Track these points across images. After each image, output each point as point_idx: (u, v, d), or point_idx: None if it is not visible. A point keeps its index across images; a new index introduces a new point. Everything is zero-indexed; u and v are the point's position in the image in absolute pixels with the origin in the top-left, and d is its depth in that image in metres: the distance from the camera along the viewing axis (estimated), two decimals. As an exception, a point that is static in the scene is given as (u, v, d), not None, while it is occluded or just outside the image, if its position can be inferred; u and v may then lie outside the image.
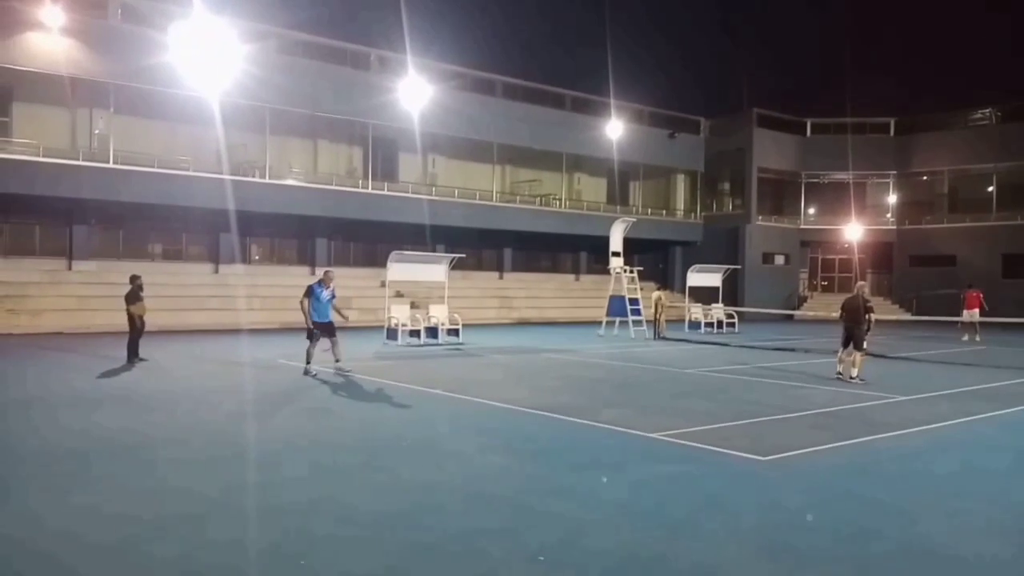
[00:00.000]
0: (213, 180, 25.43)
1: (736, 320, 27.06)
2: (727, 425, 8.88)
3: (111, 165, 24.22)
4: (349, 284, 29.36)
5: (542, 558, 4.61)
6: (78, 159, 24.01)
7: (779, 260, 38.99)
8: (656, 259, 40.21)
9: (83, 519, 5.28)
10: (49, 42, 22.87)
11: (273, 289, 27.39)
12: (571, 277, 38.47)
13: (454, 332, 19.90)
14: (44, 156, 23.20)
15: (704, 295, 28.47)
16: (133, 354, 14.29)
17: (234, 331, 23.09)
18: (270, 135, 27.68)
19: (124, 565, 4.49)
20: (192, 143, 26.44)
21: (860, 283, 13.73)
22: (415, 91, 27.74)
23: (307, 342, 13.26)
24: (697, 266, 28.72)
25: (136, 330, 14.45)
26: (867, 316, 12.91)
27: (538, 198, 34.80)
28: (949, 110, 38.69)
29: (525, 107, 33.43)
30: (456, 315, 20.30)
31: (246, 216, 26.36)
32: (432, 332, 19.52)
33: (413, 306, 21.58)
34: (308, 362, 13.17)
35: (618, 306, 24.07)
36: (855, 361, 12.76)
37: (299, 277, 29.93)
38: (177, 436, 7.98)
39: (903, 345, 21.23)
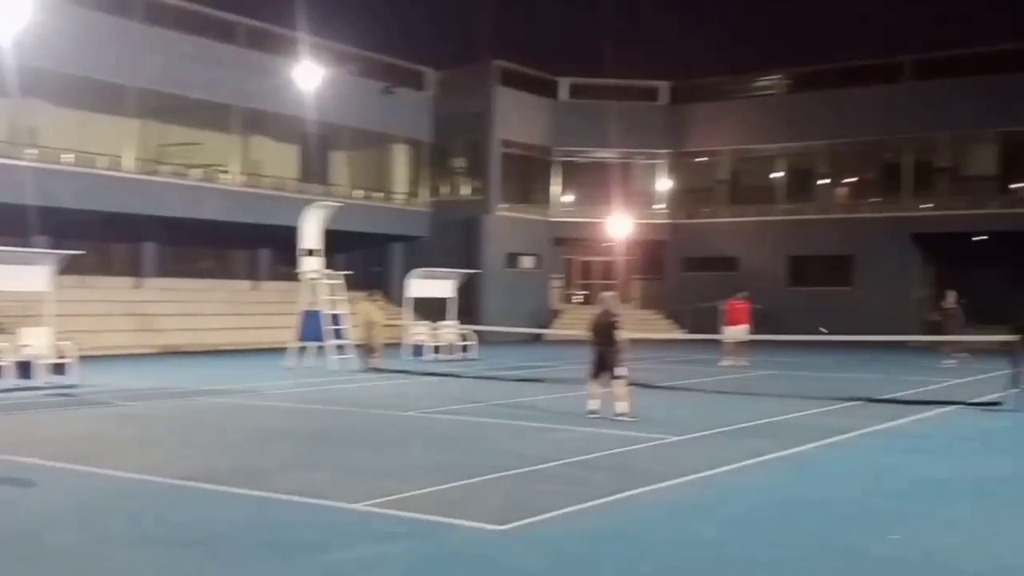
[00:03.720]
0: None
1: (472, 342, 28.11)
2: (457, 485, 9.21)
3: None
4: None
5: None
6: None
7: (527, 262, 41.14)
8: (369, 260, 40.63)
9: None
10: None
11: None
12: (246, 285, 37.65)
13: (60, 369, 18.82)
14: None
15: (432, 309, 29.27)
16: None
17: None
18: None
19: None
20: None
21: (608, 294, 14.92)
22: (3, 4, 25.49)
23: None
24: (421, 270, 29.44)
25: None
26: (617, 335, 14.00)
27: (197, 169, 33.64)
28: (731, 75, 43.27)
29: (177, 38, 32.20)
30: (66, 343, 19.24)
31: None
32: (24, 370, 18.33)
33: (-3, 330, 19.97)
34: None
35: (314, 326, 23.96)
36: (616, 393, 13.82)
37: None
38: None
39: (673, 371, 23.43)
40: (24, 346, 18.69)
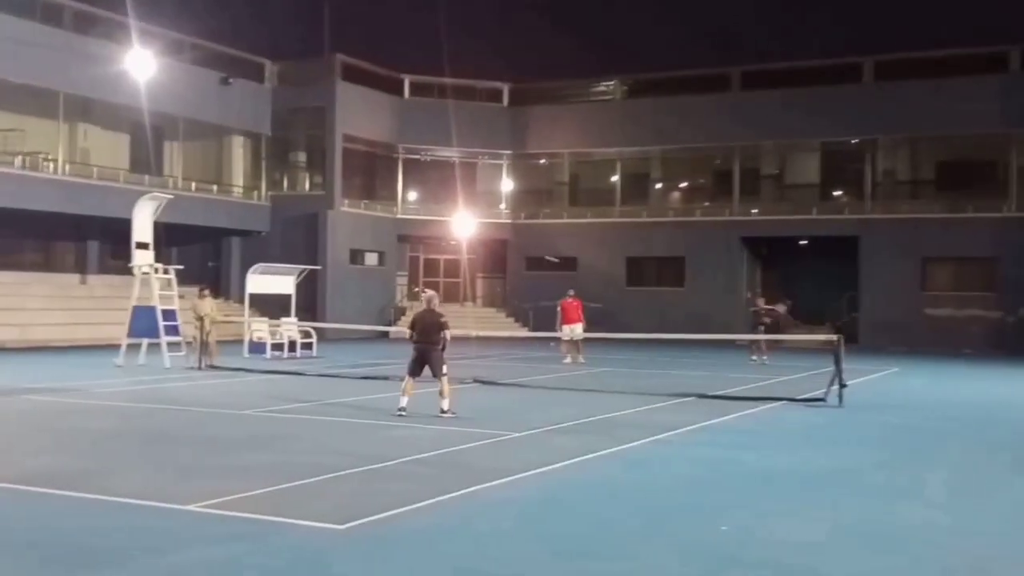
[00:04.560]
0: None
1: (315, 340, 27.79)
2: (296, 485, 9.10)
3: None
4: None
5: None
6: None
7: (371, 259, 40.97)
8: (205, 254, 39.62)
9: None
10: None
11: None
12: (74, 278, 36.19)
13: None
14: None
15: (272, 305, 28.78)
16: None
17: None
18: None
19: None
20: None
21: (429, 293, 14.99)
22: None
23: None
24: (262, 266, 28.94)
25: None
26: (443, 334, 14.09)
27: (20, 157, 32.00)
28: (570, 79, 44.29)
29: (1, 19, 30.59)
30: None
31: None
32: None
33: None
34: None
35: (146, 321, 23.16)
36: (443, 391, 13.90)
37: None
38: None
39: (514, 368, 23.74)
40: None
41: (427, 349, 13.96)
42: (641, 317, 34.97)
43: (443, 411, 13.76)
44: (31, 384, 18.29)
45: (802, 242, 39.62)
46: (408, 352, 14.46)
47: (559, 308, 26.50)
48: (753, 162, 41.27)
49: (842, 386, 16.17)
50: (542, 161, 44.31)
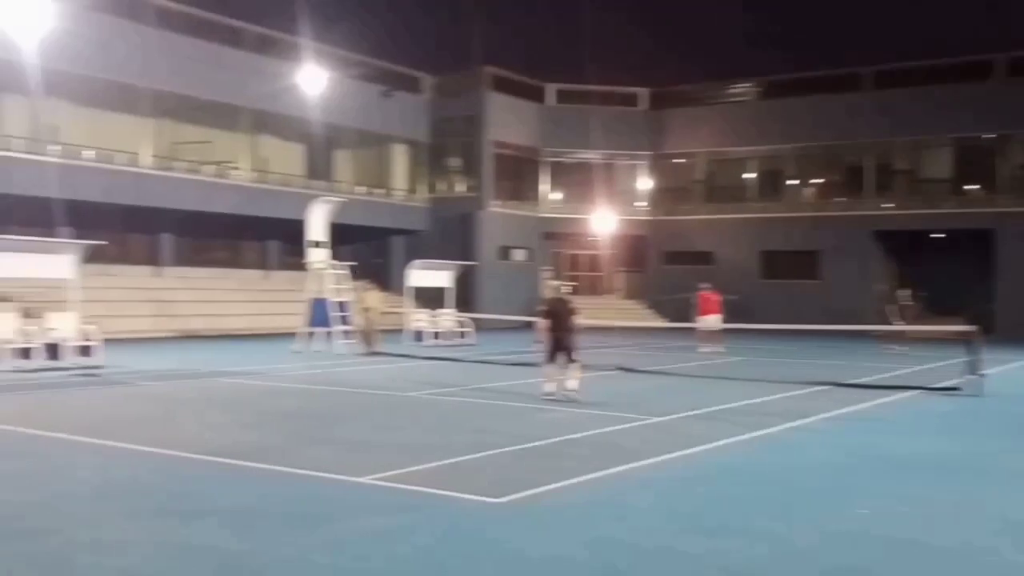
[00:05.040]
0: None
1: (469, 329, 28.13)
2: (456, 461, 9.21)
3: None
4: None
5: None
6: None
7: (518, 255, 41.24)
8: (370, 251, 40.62)
9: None
10: None
11: None
12: (258, 274, 37.61)
13: (86, 351, 18.77)
14: None
15: (430, 297, 29.29)
16: None
17: None
18: None
19: None
20: None
21: (557, 282, 14.86)
22: (24, 7, 25.27)
23: None
24: (421, 261, 29.44)
25: None
26: (574, 320, 13.93)
27: (210, 166, 33.50)
28: (706, 82, 43.53)
29: (190, 42, 32.07)
30: (90, 327, 19.20)
31: None
32: (52, 351, 18.37)
33: (25, 315, 19.85)
34: None
35: (321, 313, 23.94)
36: (574, 374, 13.77)
37: None
38: None
39: (654, 357, 23.46)
40: (51, 329, 18.70)
41: (562, 336, 13.91)
42: (775, 309, 33.99)
43: (569, 389, 13.64)
44: (222, 368, 19.16)
45: (936, 235, 37.82)
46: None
47: (696, 300, 26.13)
48: (886, 158, 39.65)
49: (979, 375, 15.36)
50: (679, 161, 43.71)
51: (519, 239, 41.32)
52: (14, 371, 17.25)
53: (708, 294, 26.05)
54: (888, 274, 38.23)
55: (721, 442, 10.63)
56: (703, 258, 40.72)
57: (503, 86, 40.94)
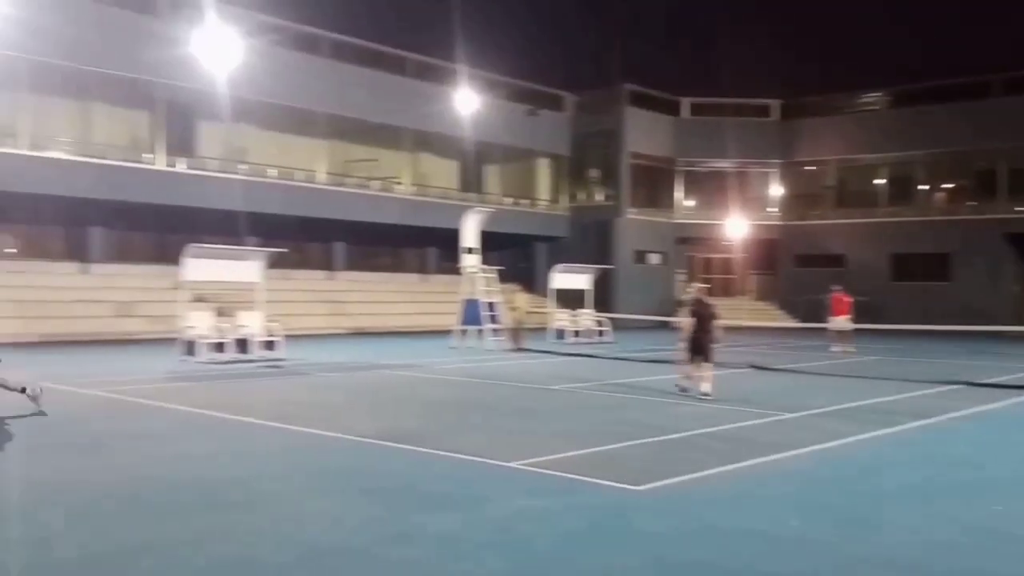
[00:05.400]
0: (-53, 149, 23.40)
1: (608, 328, 27.94)
2: (597, 450, 9.11)
3: None
4: (133, 285, 27.99)
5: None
6: None
7: (654, 259, 40.73)
8: (517, 257, 40.91)
9: None
10: None
11: (32, 291, 25.59)
12: (417, 277, 38.44)
13: (271, 345, 19.43)
14: None
15: (571, 299, 29.24)
16: None
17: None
18: (28, 94, 25.78)
19: None
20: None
21: (697, 284, 14.38)
22: (219, 45, 26.66)
23: None
24: (563, 265, 29.44)
25: None
26: (714, 322, 13.43)
27: (376, 181, 34.48)
28: (837, 93, 41.94)
29: (359, 71, 33.09)
30: (274, 324, 19.87)
31: (-6, 197, 24.44)
32: (242, 345, 19.02)
33: (218, 313, 20.82)
34: None
35: (473, 312, 24.25)
36: (706, 375, 13.30)
37: (67, 275, 28.22)
38: None
39: (786, 356, 22.67)
40: (241, 326, 19.47)
41: (702, 337, 13.54)
42: (906, 310, 32.37)
43: (704, 393, 13.20)
44: (386, 361, 19.60)
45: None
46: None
47: (828, 301, 25.17)
48: (1017, 162, 37.12)
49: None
50: (810, 168, 42.31)
51: (654, 244, 40.82)
52: (210, 363, 18.05)
53: (839, 295, 25.03)
54: (1020, 276, 35.85)
55: (854, 438, 10.15)
56: (834, 261, 39.24)
57: (640, 101, 40.60)
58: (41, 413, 10.92)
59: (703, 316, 13.58)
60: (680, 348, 13.68)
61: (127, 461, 8.47)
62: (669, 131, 41.50)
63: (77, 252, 29.15)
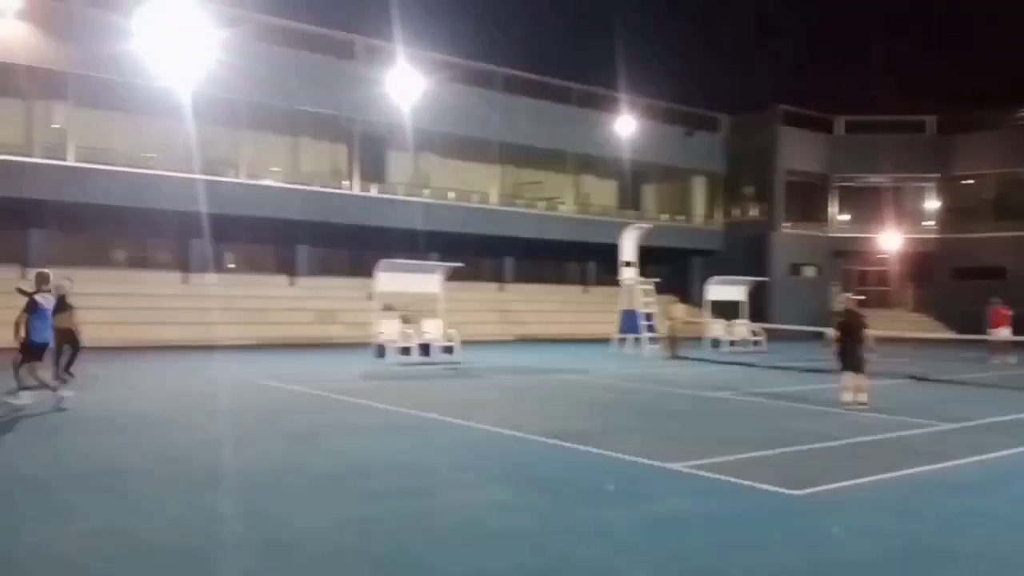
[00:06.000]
0: (183, 180, 25.48)
1: (763, 338, 27.00)
2: (754, 455, 8.81)
3: (70, 163, 24.25)
4: (333, 295, 29.40)
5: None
6: (33, 156, 24.03)
7: (809, 272, 39.04)
8: (673, 270, 40.20)
9: (41, 559, 5.21)
10: (3, 27, 22.93)
11: (249, 301, 27.38)
12: (579, 289, 38.47)
13: (449, 350, 19.90)
14: (-4, 153, 23.25)
15: (726, 310, 28.44)
16: (63, 371, 13.42)
17: (206, 347, 23.02)
18: (246, 131, 27.73)
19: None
20: (160, 139, 26.51)
21: (846, 295, 13.50)
22: (405, 83, 27.85)
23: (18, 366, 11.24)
24: (717, 278, 28.69)
25: (70, 345, 13.52)
26: (865, 332, 12.57)
27: (542, 201, 34.84)
28: (994, 108, 38.89)
29: (527, 102, 33.55)
30: (452, 331, 20.33)
31: (219, 219, 26.38)
32: (425, 349, 19.58)
33: (404, 320, 21.59)
34: (24, 387, 11.23)
35: (631, 321, 24.05)
36: (861, 385, 12.49)
37: (277, 287, 29.96)
38: (141, 466, 7.92)
39: (944, 367, 21.15)
40: (425, 332, 20.10)
41: (853, 347, 12.76)
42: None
43: (860, 403, 12.38)
44: (551, 366, 19.70)
45: None
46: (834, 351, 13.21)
47: (988, 313, 23.34)
48: None
49: None
50: (967, 182, 39.38)
51: (809, 257, 39.12)
52: (397, 364, 18.74)
53: (999, 308, 23.15)
54: None
55: (1017, 450, 9.34)
56: (993, 273, 36.23)
57: (794, 120, 39.10)
58: (60, 407, 11.47)
59: (853, 327, 12.87)
60: (832, 359, 12.99)
61: (331, 448, 8.92)
62: (823, 148, 39.75)
63: (286, 267, 31.00)
